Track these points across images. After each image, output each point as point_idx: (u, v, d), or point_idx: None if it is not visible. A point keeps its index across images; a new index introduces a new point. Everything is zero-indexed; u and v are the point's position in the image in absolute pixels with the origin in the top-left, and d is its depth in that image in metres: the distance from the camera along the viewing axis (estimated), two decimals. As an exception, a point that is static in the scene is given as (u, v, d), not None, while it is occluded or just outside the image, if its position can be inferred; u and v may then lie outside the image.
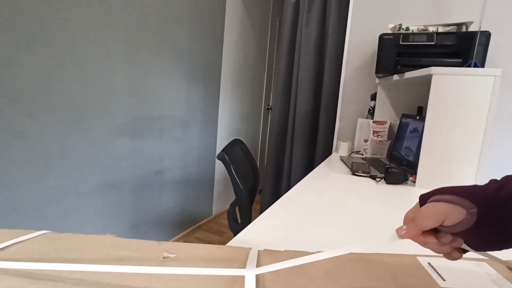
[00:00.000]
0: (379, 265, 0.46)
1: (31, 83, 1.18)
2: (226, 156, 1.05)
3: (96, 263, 0.41)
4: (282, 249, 0.50)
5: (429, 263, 0.47)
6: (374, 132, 1.57)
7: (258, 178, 1.42)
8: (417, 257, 0.49)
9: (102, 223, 1.55)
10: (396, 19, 1.59)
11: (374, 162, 1.44)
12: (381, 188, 1.07)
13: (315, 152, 1.99)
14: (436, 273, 0.45)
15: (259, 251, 0.48)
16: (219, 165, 2.40)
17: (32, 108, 1.20)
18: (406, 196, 1.00)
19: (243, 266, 0.43)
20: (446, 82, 1.02)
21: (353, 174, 1.23)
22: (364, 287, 0.41)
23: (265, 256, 0.47)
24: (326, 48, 1.87)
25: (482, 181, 1.03)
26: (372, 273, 0.44)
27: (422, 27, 1.36)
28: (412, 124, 1.38)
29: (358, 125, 1.69)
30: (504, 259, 0.50)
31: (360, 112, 1.76)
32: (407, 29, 1.38)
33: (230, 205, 1.21)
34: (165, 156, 1.90)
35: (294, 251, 0.49)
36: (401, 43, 1.31)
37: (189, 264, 0.43)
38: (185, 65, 1.95)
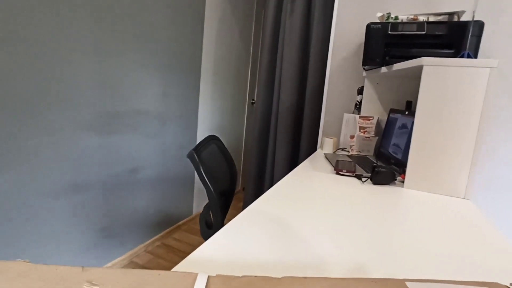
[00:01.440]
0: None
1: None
2: (195, 155, 0.94)
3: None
4: (242, 273, 0.40)
5: (422, 292, 0.38)
6: (360, 128, 1.48)
7: (236, 177, 1.32)
8: (405, 282, 0.40)
9: (68, 227, 1.42)
10: (385, 8, 1.50)
11: (360, 160, 1.36)
12: (367, 189, 0.99)
13: (299, 148, 1.90)
14: (431, 306, 0.36)
15: (209, 277, 0.38)
16: (200, 162, 2.29)
17: (-21, 100, 1.06)
18: (394, 198, 0.92)
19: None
20: (438, 74, 0.94)
21: (338, 173, 1.14)
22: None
23: (216, 284, 0.37)
24: (311, 39, 1.77)
25: (475, 181, 0.94)
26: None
27: (412, 17, 1.28)
28: (401, 119, 1.30)
29: (344, 121, 1.60)
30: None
31: (346, 107, 1.67)
32: (396, 18, 1.29)
33: (204, 208, 1.11)
34: (140, 153, 1.78)
35: (255, 277, 0.39)
36: (389, 33, 1.22)
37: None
38: (161, 56, 1.82)
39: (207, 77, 2.28)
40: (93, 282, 0.36)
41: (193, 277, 0.38)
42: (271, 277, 0.39)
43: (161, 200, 2.01)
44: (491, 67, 0.88)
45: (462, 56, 1.00)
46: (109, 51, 1.50)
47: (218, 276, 0.39)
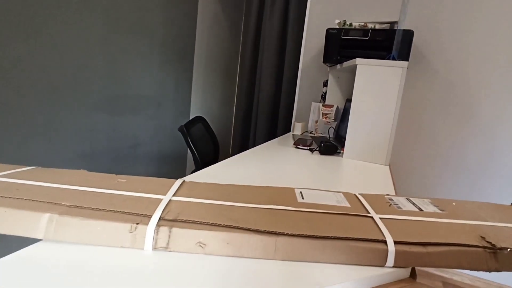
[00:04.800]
0: (263, 190, 0.68)
1: (18, 62, 1.34)
2: (184, 129, 1.25)
3: (74, 184, 0.61)
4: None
5: (301, 192, 0.70)
6: (323, 114, 1.80)
7: (219, 151, 1.63)
8: (295, 188, 0.72)
9: (80, 189, 1.73)
10: (346, 16, 1.80)
11: (320, 139, 1.67)
12: (315, 158, 1.31)
13: (276, 131, 2.22)
14: (301, 196, 0.67)
15: (184, 181, 0.69)
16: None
17: (19, 84, 1.36)
18: (333, 164, 1.24)
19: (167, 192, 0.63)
20: (367, 71, 1.25)
21: (296, 147, 1.46)
22: (249, 200, 0.62)
23: (187, 185, 0.68)
24: (287, 39, 2.07)
25: (392, 153, 1.29)
26: (258, 193, 0.66)
27: (363, 24, 1.58)
28: (352, 107, 1.61)
29: (312, 108, 1.92)
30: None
31: (315, 97, 1.99)
32: (350, 25, 1.60)
33: (191, 173, 1.42)
34: (140, 132, 2.08)
35: (211, 183, 0.70)
36: (342, 37, 1.52)
37: (133, 187, 0.64)
38: (158, 50, 2.11)
39: (199, 68, 2.57)
40: (122, 178, 0.67)
41: (173, 181, 0.69)
42: (220, 183, 0.71)
43: (157, 173, 2.33)
44: (403, 67, 1.19)
45: (389, 58, 1.31)
46: (115, 45, 1.79)
47: (189, 181, 0.70)
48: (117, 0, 1.75)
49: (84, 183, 0.62)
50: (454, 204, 0.72)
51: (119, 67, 1.84)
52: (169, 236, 0.49)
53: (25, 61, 1.37)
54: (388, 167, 1.26)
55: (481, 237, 0.56)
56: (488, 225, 0.61)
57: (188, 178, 0.86)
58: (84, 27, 1.60)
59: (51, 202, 0.51)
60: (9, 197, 0.51)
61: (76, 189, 0.58)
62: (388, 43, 1.44)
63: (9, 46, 1.31)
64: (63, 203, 0.51)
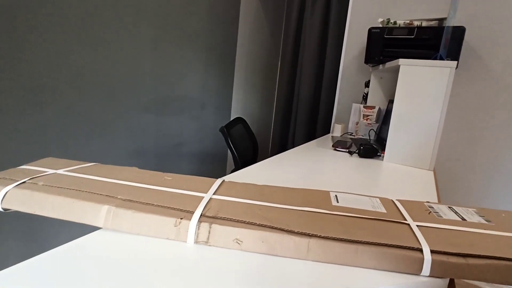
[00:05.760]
0: (297, 192, 0.70)
1: (81, 69, 1.50)
2: (225, 129, 1.31)
3: (127, 180, 0.69)
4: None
5: (336, 195, 0.71)
6: (364, 115, 1.75)
7: (258, 151, 1.68)
8: (330, 192, 0.73)
9: (130, 183, 1.88)
10: (392, 14, 1.74)
11: (359, 141, 1.64)
12: (353, 161, 1.29)
13: (315, 133, 2.20)
14: (336, 199, 0.68)
15: (223, 181, 0.74)
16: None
17: (82, 89, 1.52)
18: (369, 166, 1.21)
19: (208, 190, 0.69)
20: (411, 72, 1.20)
21: (335, 149, 1.45)
22: (284, 202, 0.65)
23: (226, 184, 0.73)
24: (327, 38, 2.05)
25: (438, 159, 1.25)
26: (293, 195, 0.68)
27: (408, 22, 1.51)
28: (395, 109, 1.56)
29: (353, 110, 1.88)
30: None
31: (355, 98, 1.94)
32: (395, 23, 1.54)
33: (230, 172, 1.48)
34: (184, 131, 2.20)
35: (248, 183, 0.74)
36: (385, 36, 1.48)
37: (178, 185, 0.69)
38: (201, 54, 2.21)
39: (240, 70, 2.64)
40: (168, 176, 0.74)
41: (214, 180, 0.74)
42: (256, 184, 0.74)
43: (199, 171, 2.44)
44: (451, 67, 1.13)
45: (435, 58, 1.25)
46: (163, 50, 1.91)
47: (228, 181, 0.74)
48: (165, 10, 1.87)
49: (136, 179, 0.69)
50: (503, 215, 0.68)
51: (166, 71, 1.96)
52: (209, 232, 0.53)
53: (86, 68, 1.53)
54: (432, 172, 1.20)
55: (531, 251, 0.53)
56: (541, 239, 0.57)
57: (228, 177, 0.91)
58: (136, 36, 1.73)
59: (109, 196, 0.58)
60: (76, 190, 0.59)
61: (129, 185, 0.65)
62: (435, 41, 1.37)
63: (74, 56, 1.47)
64: (118, 197, 0.58)
